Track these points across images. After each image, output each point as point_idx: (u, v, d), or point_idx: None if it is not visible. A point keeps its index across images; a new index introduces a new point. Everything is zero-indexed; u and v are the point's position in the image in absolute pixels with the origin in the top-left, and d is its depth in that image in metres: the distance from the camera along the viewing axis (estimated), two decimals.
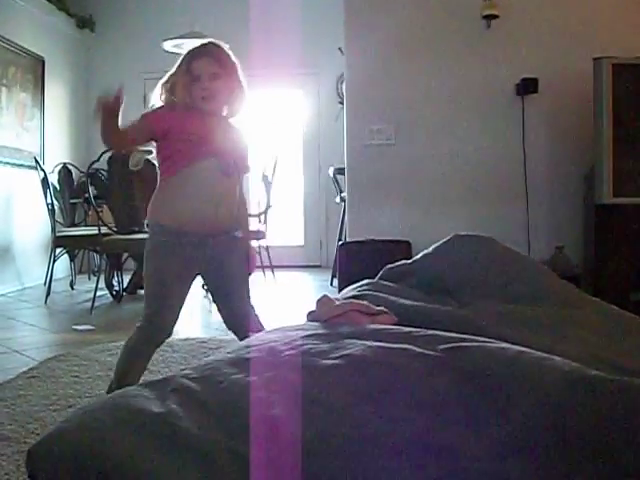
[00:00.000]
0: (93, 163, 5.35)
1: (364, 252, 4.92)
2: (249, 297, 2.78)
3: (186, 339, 4.06)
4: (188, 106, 2.58)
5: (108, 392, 2.69)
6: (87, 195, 5.52)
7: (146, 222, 2.64)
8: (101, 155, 5.16)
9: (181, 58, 2.62)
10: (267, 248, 6.53)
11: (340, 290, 3.98)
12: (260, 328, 2.66)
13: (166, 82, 2.62)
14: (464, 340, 1.69)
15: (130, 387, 1.79)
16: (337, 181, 6.83)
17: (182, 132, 2.54)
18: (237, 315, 2.74)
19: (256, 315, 2.78)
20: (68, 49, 8.19)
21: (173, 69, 2.62)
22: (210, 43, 2.66)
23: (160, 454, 1.39)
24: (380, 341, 1.73)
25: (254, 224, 6.95)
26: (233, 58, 2.67)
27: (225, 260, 2.68)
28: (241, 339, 2.53)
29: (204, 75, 2.56)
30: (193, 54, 2.60)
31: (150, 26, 8.15)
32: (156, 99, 2.63)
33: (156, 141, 2.59)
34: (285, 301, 5.93)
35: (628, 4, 5.05)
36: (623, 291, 4.39)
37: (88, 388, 3.06)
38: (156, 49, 6.70)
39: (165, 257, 2.57)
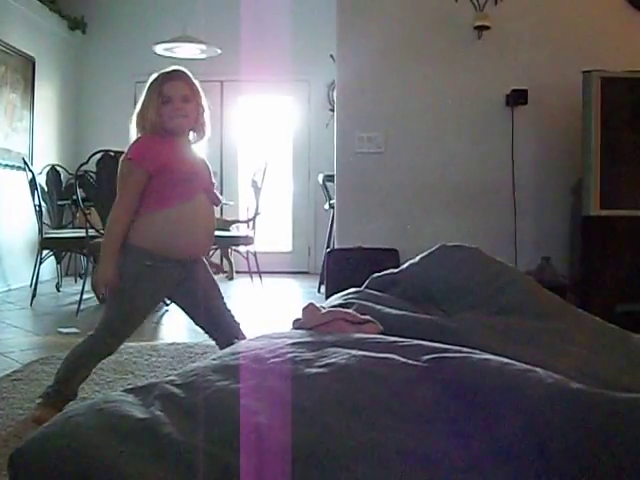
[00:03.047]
0: (82, 165, 5.33)
1: (352, 259, 4.93)
2: (224, 304, 2.87)
3: (172, 343, 4.05)
4: (162, 133, 2.64)
5: (42, 396, 2.70)
6: (75, 197, 5.50)
7: (126, 242, 2.63)
8: (90, 157, 5.14)
9: (150, 83, 2.67)
10: (255, 254, 6.52)
11: (327, 297, 3.98)
12: (240, 336, 2.76)
13: (140, 110, 2.67)
14: (448, 351, 1.70)
15: (114, 393, 1.78)
16: (326, 188, 6.83)
17: (174, 171, 2.61)
18: (212, 321, 2.82)
19: (237, 323, 2.86)
20: (59, 50, 8.16)
21: (143, 96, 2.68)
22: (178, 69, 2.72)
23: (143, 460, 1.39)
24: (365, 350, 1.74)
25: (243, 229, 6.97)
26: (198, 85, 2.74)
27: (198, 278, 2.77)
28: (222, 346, 2.62)
29: (176, 96, 2.63)
30: (164, 78, 2.66)
31: (142, 29, 8.13)
32: (133, 129, 2.71)
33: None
34: (272, 307, 5.93)
35: (618, 18, 5.08)
36: (609, 302, 4.41)
37: None
38: (147, 52, 6.70)
39: (146, 281, 2.64)
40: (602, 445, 1.38)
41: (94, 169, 5.23)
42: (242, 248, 6.71)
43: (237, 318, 2.88)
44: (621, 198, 4.45)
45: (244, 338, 2.67)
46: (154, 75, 2.71)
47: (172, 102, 2.62)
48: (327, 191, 6.82)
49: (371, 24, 5.17)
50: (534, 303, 2.51)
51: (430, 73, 5.16)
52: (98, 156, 5.05)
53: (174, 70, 2.71)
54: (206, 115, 2.76)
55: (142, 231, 2.61)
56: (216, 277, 2.89)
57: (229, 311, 2.86)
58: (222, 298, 2.86)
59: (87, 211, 5.55)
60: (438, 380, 1.58)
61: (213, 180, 2.81)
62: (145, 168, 2.58)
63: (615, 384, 1.75)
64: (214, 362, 1.83)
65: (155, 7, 8.34)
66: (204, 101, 2.75)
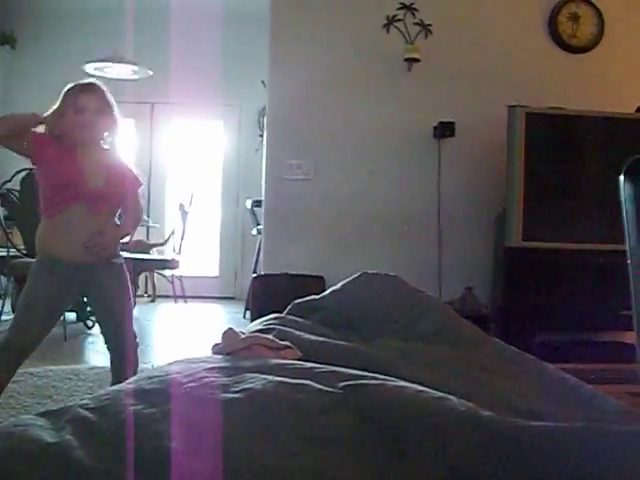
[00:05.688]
0: (5, 183, 5.23)
1: (278, 285, 4.93)
2: (130, 321, 2.95)
3: (93, 368, 3.98)
4: (64, 141, 2.75)
5: None
6: None
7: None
8: (14, 175, 5.05)
9: (66, 92, 2.79)
10: (180, 277, 6.46)
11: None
12: (131, 357, 2.89)
13: (52, 118, 2.77)
14: (364, 377, 1.71)
15: (25, 416, 1.74)
16: (254, 213, 6.84)
17: (52, 172, 2.74)
18: (115, 335, 2.89)
19: (136, 342, 2.96)
20: None
21: (58, 103, 2.78)
22: (94, 83, 2.85)
23: None
24: (281, 376, 1.74)
25: (169, 253, 6.91)
26: (112, 98, 2.87)
27: (102, 283, 2.87)
28: (115, 362, 2.87)
29: (89, 108, 2.75)
30: (81, 89, 2.78)
31: (72, 47, 8.02)
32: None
33: (34, 163, 2.78)
34: (194, 332, 5.86)
35: (543, 56, 5.24)
36: (529, 331, 4.50)
37: None
38: (78, 70, 6.60)
39: (39, 276, 2.78)
40: (513, 473, 1.41)
41: (18, 187, 5.13)
42: (167, 272, 6.65)
43: (136, 339, 2.97)
44: (543, 230, 4.55)
45: (133, 359, 2.86)
46: (70, 85, 2.80)
47: (85, 113, 2.73)
48: (255, 216, 6.83)
49: (303, 52, 5.21)
50: (451, 331, 2.55)
51: (360, 102, 5.22)
52: (22, 174, 4.96)
53: (90, 83, 2.82)
54: (118, 125, 2.88)
55: (38, 235, 2.81)
56: (139, 300, 2.94)
57: (130, 329, 2.93)
58: (127, 314, 2.92)
59: (9, 230, 5.43)
60: (353, 407, 1.59)
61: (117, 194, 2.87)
62: (35, 146, 2.71)
63: (527, 412, 1.78)
64: (129, 386, 1.80)
65: (87, 25, 8.25)
66: (117, 113, 2.86)
